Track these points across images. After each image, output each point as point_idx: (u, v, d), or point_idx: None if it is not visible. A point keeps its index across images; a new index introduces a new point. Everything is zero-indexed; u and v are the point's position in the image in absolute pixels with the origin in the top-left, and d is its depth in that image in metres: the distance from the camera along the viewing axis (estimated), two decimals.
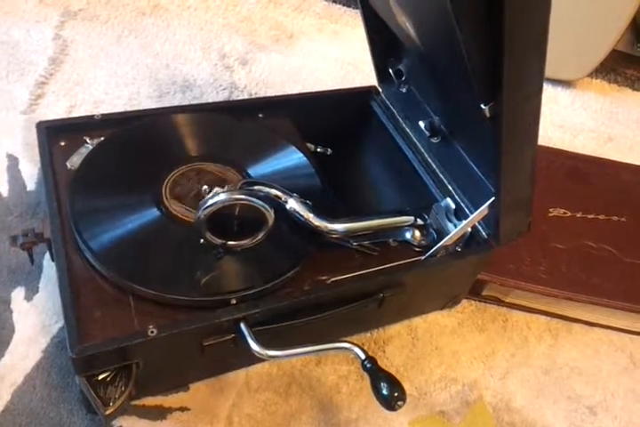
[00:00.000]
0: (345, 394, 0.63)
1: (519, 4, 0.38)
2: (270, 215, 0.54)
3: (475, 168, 0.61)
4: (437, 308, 0.71)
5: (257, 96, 0.93)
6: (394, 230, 0.61)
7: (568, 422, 0.65)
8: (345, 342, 0.54)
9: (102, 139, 0.63)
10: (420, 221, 0.62)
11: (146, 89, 0.90)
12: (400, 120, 0.73)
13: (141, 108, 0.84)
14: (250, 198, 0.53)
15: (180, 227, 0.57)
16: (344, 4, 1.12)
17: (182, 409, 0.60)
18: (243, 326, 0.52)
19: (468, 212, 0.61)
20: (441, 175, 0.66)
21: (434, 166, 0.67)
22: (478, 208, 0.57)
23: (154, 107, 0.82)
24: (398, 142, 0.72)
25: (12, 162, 0.77)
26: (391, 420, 0.62)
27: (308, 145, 0.72)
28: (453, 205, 0.62)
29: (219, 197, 0.52)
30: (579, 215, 0.79)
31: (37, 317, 0.64)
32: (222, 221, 0.54)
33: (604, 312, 0.71)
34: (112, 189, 0.60)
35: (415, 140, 0.70)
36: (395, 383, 0.51)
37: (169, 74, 0.93)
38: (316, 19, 1.09)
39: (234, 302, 0.53)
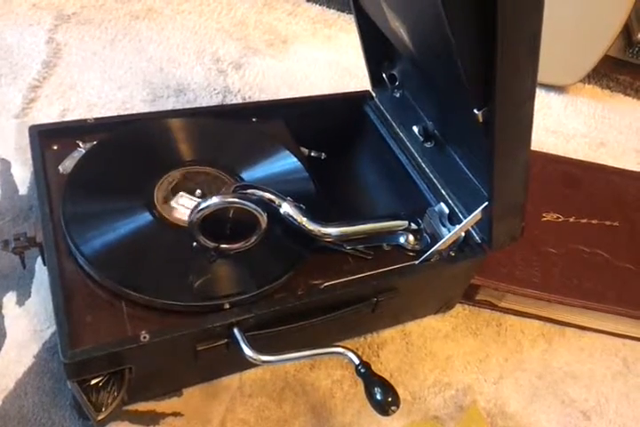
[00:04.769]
0: (339, 399, 0.63)
1: (512, 11, 0.38)
2: (263, 219, 0.54)
3: (468, 173, 0.61)
4: (431, 312, 0.71)
5: (250, 100, 0.93)
6: (388, 235, 0.61)
7: (562, 426, 0.65)
8: (339, 346, 0.54)
9: (95, 143, 0.63)
10: (413, 226, 0.62)
11: (139, 93, 0.89)
12: (394, 125, 0.73)
13: (135, 111, 0.84)
14: (243, 202, 0.53)
15: (173, 231, 0.56)
16: (338, 9, 1.13)
17: (175, 414, 0.59)
18: (236, 331, 0.51)
19: (461, 216, 0.61)
20: (435, 180, 0.66)
21: (427, 171, 0.68)
22: (472, 213, 0.57)
23: (147, 111, 0.82)
24: (392, 147, 0.72)
25: (5, 166, 0.76)
26: (385, 425, 0.62)
27: (302, 149, 0.72)
28: (447, 210, 0.62)
29: (212, 200, 0.52)
30: (572, 220, 0.79)
31: (29, 322, 0.63)
32: (216, 224, 0.54)
33: (597, 316, 0.72)
34: (105, 193, 0.59)
35: (409, 145, 0.70)
36: (388, 388, 0.51)
37: (162, 78, 0.93)
38: (310, 23, 1.10)
39: (227, 306, 0.52)
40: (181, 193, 0.59)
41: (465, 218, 0.60)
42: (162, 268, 0.54)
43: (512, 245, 0.61)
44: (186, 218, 0.54)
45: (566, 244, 0.76)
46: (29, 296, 0.65)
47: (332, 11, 1.12)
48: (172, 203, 0.58)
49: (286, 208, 0.56)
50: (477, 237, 0.61)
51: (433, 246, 0.60)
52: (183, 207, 0.58)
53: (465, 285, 0.68)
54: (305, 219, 0.56)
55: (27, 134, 0.62)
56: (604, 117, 1.06)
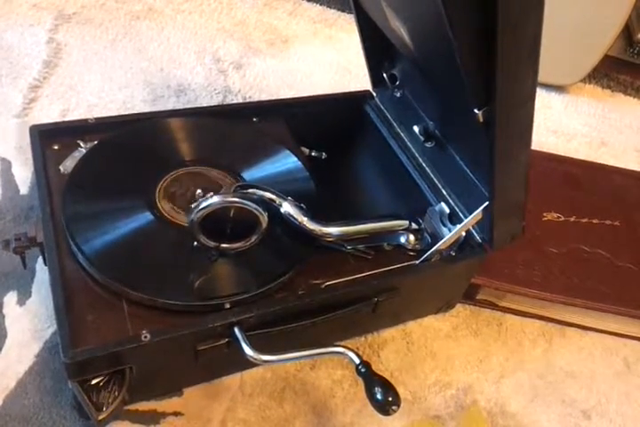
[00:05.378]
0: (339, 399, 0.63)
1: (512, 10, 0.38)
2: (264, 218, 0.54)
3: (469, 173, 0.61)
4: (432, 312, 0.71)
5: (251, 100, 0.93)
6: (388, 234, 0.61)
7: (562, 426, 0.65)
8: (339, 346, 0.54)
9: (96, 143, 0.63)
10: (414, 226, 0.62)
11: (140, 93, 0.89)
12: (394, 125, 0.73)
13: (135, 111, 0.84)
14: (243, 201, 0.53)
15: (174, 231, 0.56)
16: (338, 9, 1.13)
17: (176, 414, 0.59)
18: (237, 330, 0.51)
19: (462, 216, 0.61)
20: (435, 180, 0.66)
21: (428, 171, 0.68)
22: (472, 213, 0.57)
23: (148, 111, 0.82)
24: (392, 147, 0.72)
25: (5, 166, 0.76)
26: (385, 425, 0.62)
27: (303, 149, 0.72)
28: (448, 210, 0.62)
29: (212, 199, 0.52)
30: (572, 219, 0.79)
31: (30, 321, 0.63)
32: (216, 224, 0.54)
33: (597, 316, 0.72)
34: (105, 193, 0.59)
35: (409, 145, 0.70)
36: (389, 388, 0.51)
37: (163, 78, 0.93)
38: (311, 23, 1.09)
39: (227, 306, 0.52)
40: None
41: (465, 217, 0.60)
42: (163, 267, 0.54)
43: (513, 244, 0.61)
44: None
45: (567, 243, 0.75)
46: (30, 296, 0.65)
47: (332, 10, 1.12)
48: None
49: (287, 208, 0.56)
50: (478, 237, 0.61)
51: (433, 246, 0.60)
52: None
53: (465, 284, 0.68)
54: (305, 218, 0.56)
55: (27, 134, 0.62)
56: (604, 117, 1.06)
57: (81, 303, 0.51)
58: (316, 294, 0.55)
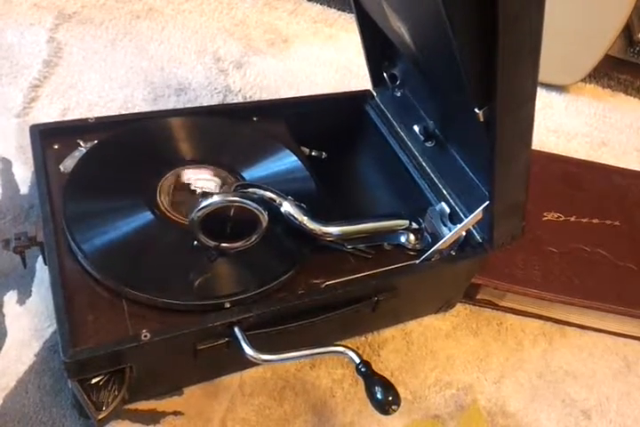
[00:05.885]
0: (339, 398, 0.63)
1: (513, 11, 0.38)
2: (264, 218, 0.54)
3: (469, 172, 0.61)
4: (432, 311, 0.71)
5: (251, 100, 0.93)
6: (388, 234, 0.61)
7: (562, 425, 0.65)
8: (339, 345, 0.54)
9: (96, 142, 0.63)
10: (414, 225, 0.62)
11: (140, 92, 0.89)
12: (394, 124, 0.73)
13: (136, 111, 0.84)
14: (244, 201, 0.53)
15: (174, 230, 0.56)
16: (339, 9, 1.13)
17: (176, 413, 0.59)
18: (236, 330, 0.51)
19: (462, 216, 0.61)
20: (435, 179, 0.66)
21: (428, 170, 0.68)
22: (473, 212, 0.57)
23: (148, 110, 0.82)
24: (393, 146, 0.72)
25: (6, 165, 0.76)
26: (386, 424, 0.62)
27: (303, 149, 0.72)
28: (448, 210, 0.62)
29: (212, 198, 0.52)
30: (572, 219, 0.79)
31: (30, 320, 0.63)
32: (216, 223, 0.54)
33: (597, 316, 0.72)
34: (105, 192, 0.59)
35: (410, 145, 0.70)
36: (389, 387, 0.51)
37: (163, 77, 0.93)
38: (311, 23, 1.09)
39: (227, 305, 0.52)
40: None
41: (466, 217, 0.60)
42: (163, 267, 0.54)
43: (513, 244, 0.61)
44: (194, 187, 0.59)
45: (567, 243, 0.76)
46: (30, 295, 0.65)
47: (332, 10, 1.12)
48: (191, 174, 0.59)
49: (287, 207, 0.56)
50: (478, 237, 0.61)
51: (434, 246, 0.60)
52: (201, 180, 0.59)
53: (466, 284, 0.68)
54: (306, 218, 0.56)
55: (28, 134, 0.62)
56: (605, 117, 1.06)
57: (81, 303, 0.51)
58: (315, 294, 0.55)
